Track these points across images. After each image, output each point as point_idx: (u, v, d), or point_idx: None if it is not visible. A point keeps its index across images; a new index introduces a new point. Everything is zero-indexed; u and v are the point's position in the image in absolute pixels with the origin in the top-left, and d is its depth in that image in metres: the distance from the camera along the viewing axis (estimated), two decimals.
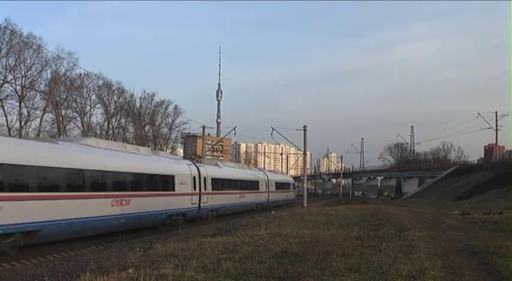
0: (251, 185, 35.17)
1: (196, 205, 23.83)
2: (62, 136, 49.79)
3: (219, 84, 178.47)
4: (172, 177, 21.51)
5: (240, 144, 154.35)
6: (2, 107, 43.59)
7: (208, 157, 50.78)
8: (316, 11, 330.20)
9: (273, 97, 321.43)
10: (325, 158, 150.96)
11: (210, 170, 26.76)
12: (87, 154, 16.31)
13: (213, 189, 26.07)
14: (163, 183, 20.84)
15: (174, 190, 21.42)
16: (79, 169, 15.16)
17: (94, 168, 15.94)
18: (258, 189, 36.85)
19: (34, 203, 13.08)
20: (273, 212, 28.24)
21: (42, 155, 14.02)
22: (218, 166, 30.23)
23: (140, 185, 18.62)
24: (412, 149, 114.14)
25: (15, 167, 12.60)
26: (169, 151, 71.29)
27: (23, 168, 12.87)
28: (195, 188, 23.68)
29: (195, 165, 24.93)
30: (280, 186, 44.37)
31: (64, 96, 49.79)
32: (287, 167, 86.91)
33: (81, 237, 15.11)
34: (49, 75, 47.62)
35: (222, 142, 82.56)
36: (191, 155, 45.05)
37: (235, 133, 48.18)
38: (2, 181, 12.10)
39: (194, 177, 23.76)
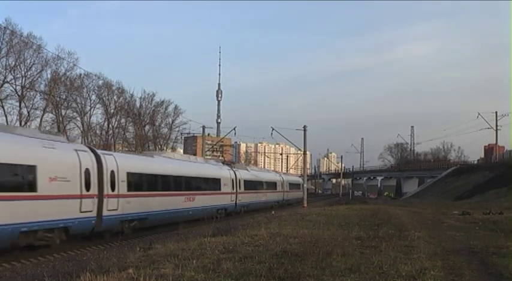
0: (271, 186, 41.50)
1: (234, 202, 29.82)
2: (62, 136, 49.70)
3: (219, 84, 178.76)
4: (219, 180, 27.68)
5: (240, 144, 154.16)
6: (2, 107, 43.60)
7: (208, 157, 50.87)
8: (316, 11, 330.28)
9: (273, 97, 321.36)
10: (325, 158, 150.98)
11: (242, 174, 32.50)
12: (170, 164, 22.58)
13: (244, 189, 31.79)
14: (214, 184, 26.78)
15: (220, 190, 27.43)
16: (168, 175, 21.06)
17: (175, 174, 21.90)
18: (276, 189, 42.84)
19: (146, 199, 18.51)
20: (273, 212, 28.24)
21: (150, 166, 19.99)
22: (247, 170, 36.96)
23: (200, 186, 24.67)
24: (412, 149, 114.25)
25: (140, 175, 18.54)
26: (169, 150, 71.37)
27: (141, 175, 18.59)
28: (233, 188, 29.56)
29: (232, 169, 31.01)
30: (293, 186, 49.21)
31: (64, 96, 49.81)
32: (287, 167, 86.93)
33: (163, 224, 19.67)
34: (49, 75, 47.69)
35: (222, 141, 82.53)
36: (227, 161, 47.62)
37: (235, 133, 48.30)
38: (131, 183, 17.44)
39: (232, 179, 29.65)
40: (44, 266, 11.70)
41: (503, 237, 12.82)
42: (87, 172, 14.76)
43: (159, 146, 63.74)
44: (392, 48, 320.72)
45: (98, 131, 57.67)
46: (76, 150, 14.93)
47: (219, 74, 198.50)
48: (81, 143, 48.14)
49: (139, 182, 18.28)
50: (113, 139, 59.70)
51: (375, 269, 7.43)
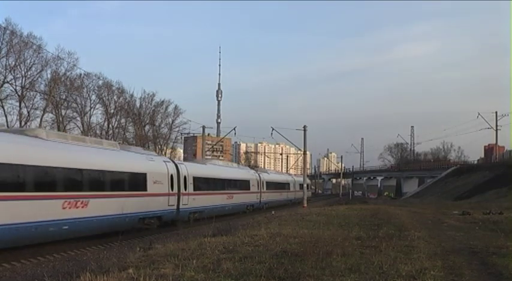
0: (286, 186, 46.31)
1: (259, 200, 33.97)
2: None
3: (219, 84, 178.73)
4: (249, 181, 31.86)
5: (240, 144, 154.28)
6: (2, 107, 43.60)
7: (208, 157, 50.94)
8: (316, 11, 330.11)
9: (273, 97, 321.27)
10: (325, 158, 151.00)
11: (265, 176, 36.32)
12: (217, 169, 28.61)
13: (266, 189, 36.72)
14: (245, 185, 31.39)
15: (250, 189, 31.84)
16: (216, 178, 26.71)
17: (221, 177, 28.12)
18: (290, 189, 47.80)
19: (203, 197, 23.82)
20: (273, 212, 28.28)
21: (206, 171, 25.50)
22: (267, 172, 41.78)
23: (236, 187, 29.71)
24: (412, 149, 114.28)
25: (200, 179, 23.72)
26: (170, 151, 71.40)
27: (201, 179, 23.93)
28: (258, 188, 33.19)
29: (257, 172, 34.86)
30: (301, 186, 51.17)
31: (64, 96, 49.81)
32: (287, 167, 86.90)
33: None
34: (49, 76, 47.67)
35: (222, 142, 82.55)
36: (252, 165, 50.82)
37: (235, 133, 48.31)
38: (196, 185, 22.97)
39: (257, 181, 33.41)
40: (44, 266, 11.69)
41: (503, 237, 12.82)
42: (171, 177, 20.66)
43: (159, 146, 63.76)
44: (393, 48, 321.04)
45: (98, 131, 57.60)
46: (164, 161, 21.17)
47: (219, 74, 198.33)
48: None
49: (200, 184, 23.93)
50: (113, 139, 59.68)
51: (375, 269, 7.43)
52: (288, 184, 47.85)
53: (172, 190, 20.63)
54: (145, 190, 18.44)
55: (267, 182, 37.79)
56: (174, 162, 22.22)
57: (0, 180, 11.65)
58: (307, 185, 60.06)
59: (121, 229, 15.88)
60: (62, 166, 13.81)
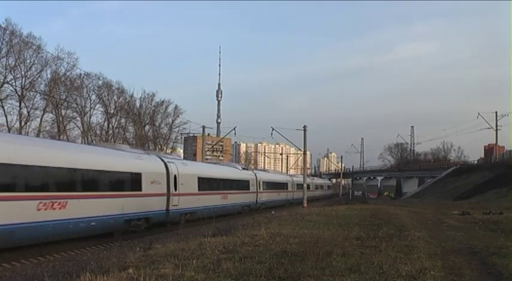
0: (284, 186, 45.64)
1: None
2: (62, 136, 50.07)
3: (219, 84, 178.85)
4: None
5: (240, 144, 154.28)
6: (2, 107, 43.62)
7: (208, 157, 50.98)
8: (316, 11, 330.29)
9: (273, 97, 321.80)
10: (325, 158, 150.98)
11: (262, 175, 36.92)
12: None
13: (263, 189, 36.31)
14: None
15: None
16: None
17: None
18: (288, 189, 46.96)
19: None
20: (273, 212, 28.26)
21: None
22: (266, 172, 43.26)
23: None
24: (412, 149, 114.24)
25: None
26: (170, 151, 71.36)
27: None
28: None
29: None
30: (299, 186, 50.77)
31: (64, 96, 49.81)
32: (287, 167, 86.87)
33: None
34: (49, 76, 47.68)
35: (222, 142, 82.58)
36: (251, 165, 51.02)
37: (235, 133, 48.21)
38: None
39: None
40: (44, 266, 11.69)
41: (503, 237, 12.83)
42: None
43: (159, 146, 63.72)
44: (393, 48, 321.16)
45: (98, 131, 57.65)
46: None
47: (219, 74, 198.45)
48: (81, 143, 48.45)
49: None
50: (113, 139, 59.68)
51: (375, 269, 7.43)
52: (286, 183, 47.37)
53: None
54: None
55: (264, 182, 37.13)
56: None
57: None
58: (328, 186, 63.19)
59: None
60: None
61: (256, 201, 34.58)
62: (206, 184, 24.39)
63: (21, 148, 12.85)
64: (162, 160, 20.34)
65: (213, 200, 25.21)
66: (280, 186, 44.41)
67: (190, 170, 23.09)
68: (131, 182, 17.51)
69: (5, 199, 11.56)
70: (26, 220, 12.10)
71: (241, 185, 31.29)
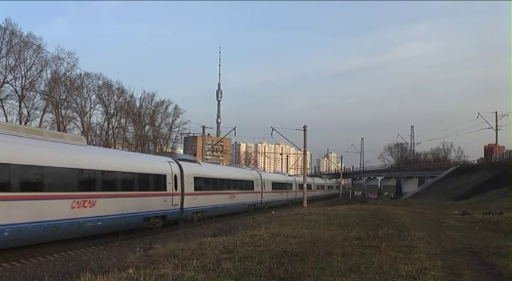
0: (288, 186, 47.02)
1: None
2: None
3: (219, 84, 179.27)
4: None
5: (240, 144, 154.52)
6: (2, 107, 43.59)
7: (208, 157, 50.99)
8: (316, 11, 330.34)
9: (273, 97, 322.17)
10: (325, 158, 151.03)
11: (267, 176, 38.41)
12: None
13: (268, 189, 37.21)
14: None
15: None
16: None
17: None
18: (292, 189, 48.36)
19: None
20: (273, 212, 28.27)
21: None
22: (269, 172, 42.90)
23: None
24: (412, 149, 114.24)
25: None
26: (170, 151, 71.27)
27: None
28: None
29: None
30: (301, 187, 51.35)
31: (64, 96, 49.79)
32: (287, 167, 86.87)
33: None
34: (49, 76, 47.66)
35: (222, 142, 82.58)
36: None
37: (235, 133, 48.07)
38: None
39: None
40: (44, 266, 11.69)
41: (503, 237, 12.83)
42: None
43: (159, 146, 63.73)
44: (393, 48, 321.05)
45: (98, 131, 57.63)
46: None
47: (219, 74, 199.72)
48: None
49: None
50: (113, 139, 59.68)
51: (374, 269, 7.43)
52: (290, 184, 48.45)
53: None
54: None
55: (268, 182, 38.34)
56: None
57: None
58: (328, 186, 63.79)
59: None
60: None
61: (261, 200, 35.76)
62: (216, 184, 26.22)
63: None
64: (177, 162, 21.92)
65: (222, 199, 26.91)
66: (283, 186, 45.37)
67: (203, 171, 24.86)
68: (154, 183, 19.27)
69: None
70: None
71: (247, 185, 32.66)
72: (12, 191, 11.95)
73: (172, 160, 21.74)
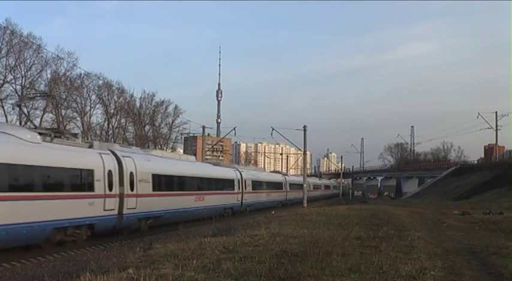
0: (276, 186, 44.06)
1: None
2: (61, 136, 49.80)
3: (219, 84, 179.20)
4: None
5: (240, 144, 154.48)
6: (2, 107, 43.60)
7: (207, 157, 50.98)
8: (316, 11, 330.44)
9: (273, 97, 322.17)
10: (325, 158, 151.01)
11: (248, 174, 34.57)
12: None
13: (251, 189, 33.90)
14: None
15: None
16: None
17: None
18: (282, 189, 45.73)
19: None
20: (273, 212, 28.25)
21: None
22: (255, 171, 40.92)
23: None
24: (412, 149, 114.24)
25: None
26: (170, 151, 71.17)
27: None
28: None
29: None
30: (294, 186, 49.80)
31: (64, 96, 49.78)
32: (287, 167, 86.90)
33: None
34: (49, 75, 47.65)
35: (222, 142, 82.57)
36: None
37: (235, 133, 48.03)
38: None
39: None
40: (44, 266, 11.69)
41: (503, 237, 12.84)
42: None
43: (159, 146, 63.68)
44: (393, 48, 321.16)
45: (98, 131, 57.59)
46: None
47: (219, 74, 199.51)
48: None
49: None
50: (113, 139, 59.63)
51: (374, 269, 7.43)
52: (280, 183, 44.25)
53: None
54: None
55: (250, 181, 33.53)
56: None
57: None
58: (325, 186, 63.59)
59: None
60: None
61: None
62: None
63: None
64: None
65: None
66: (271, 186, 40.83)
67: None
68: (228, 184, 28.79)
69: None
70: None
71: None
72: (171, 190, 20.72)
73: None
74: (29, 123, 45.51)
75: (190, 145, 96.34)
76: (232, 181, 29.96)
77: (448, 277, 7.34)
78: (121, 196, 16.53)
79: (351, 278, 6.85)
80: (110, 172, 16.01)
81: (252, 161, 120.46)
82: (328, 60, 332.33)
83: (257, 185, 35.58)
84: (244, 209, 31.68)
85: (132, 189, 17.25)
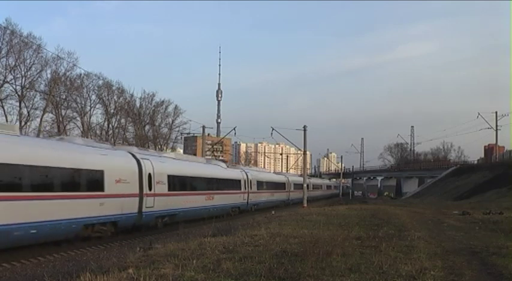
0: (278, 186, 44.53)
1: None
2: (62, 136, 49.92)
3: (219, 84, 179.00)
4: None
5: (240, 144, 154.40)
6: (2, 107, 43.60)
7: (208, 157, 51.00)
8: (316, 11, 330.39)
9: (273, 97, 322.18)
10: (325, 158, 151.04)
11: (254, 174, 35.44)
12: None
13: (256, 189, 34.94)
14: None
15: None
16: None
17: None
18: (284, 189, 46.40)
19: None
20: (273, 212, 28.23)
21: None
22: (258, 171, 41.89)
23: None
24: (412, 149, 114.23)
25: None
26: (169, 150, 71.12)
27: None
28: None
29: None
30: (297, 187, 50.67)
31: (64, 96, 49.79)
32: (287, 167, 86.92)
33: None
34: (49, 75, 47.65)
35: (222, 142, 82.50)
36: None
37: (235, 133, 48.07)
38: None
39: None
40: (44, 266, 11.69)
41: (503, 237, 12.84)
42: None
43: (159, 146, 63.66)
44: (393, 48, 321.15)
45: (98, 131, 57.58)
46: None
47: (219, 74, 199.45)
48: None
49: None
50: (113, 139, 59.63)
51: (374, 269, 7.43)
52: (283, 184, 45.62)
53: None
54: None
55: (256, 181, 35.01)
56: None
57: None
58: (327, 186, 64.38)
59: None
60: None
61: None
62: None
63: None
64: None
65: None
66: (275, 186, 42.25)
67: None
68: (235, 184, 29.88)
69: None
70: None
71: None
72: (184, 190, 22.09)
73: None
74: (29, 123, 45.70)
75: (190, 144, 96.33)
76: (239, 181, 31.24)
77: (448, 277, 7.33)
78: (140, 196, 17.73)
79: (351, 278, 6.85)
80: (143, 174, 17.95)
81: (252, 161, 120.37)
82: (328, 60, 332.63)
83: (262, 185, 36.91)
84: (250, 208, 33.06)
85: (150, 189, 18.39)
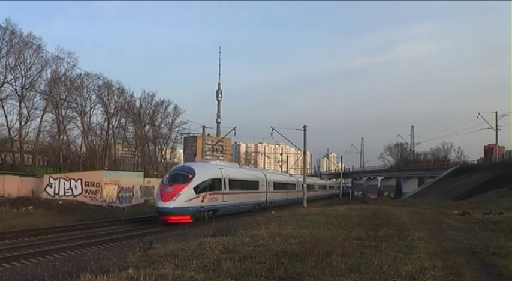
0: (291, 186, 49.42)
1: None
2: (62, 136, 50.06)
3: (219, 84, 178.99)
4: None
5: (240, 144, 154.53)
6: (2, 107, 43.67)
7: (208, 157, 51.05)
8: (316, 11, 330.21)
9: (273, 97, 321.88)
10: (325, 158, 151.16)
11: (271, 176, 40.28)
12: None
13: (273, 189, 39.62)
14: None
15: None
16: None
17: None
18: (295, 189, 50.23)
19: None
20: (273, 212, 28.25)
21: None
22: (274, 173, 49.66)
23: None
24: (412, 149, 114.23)
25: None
26: (169, 150, 71.23)
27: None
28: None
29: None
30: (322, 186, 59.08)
31: (64, 97, 49.82)
32: (287, 167, 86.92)
33: None
34: (49, 76, 47.69)
35: (222, 142, 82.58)
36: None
37: (235, 133, 47.98)
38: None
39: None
40: (44, 266, 11.69)
41: (503, 237, 12.83)
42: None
43: (159, 146, 63.75)
44: (393, 48, 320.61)
45: (98, 131, 57.69)
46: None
47: (219, 74, 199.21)
48: (81, 143, 48.97)
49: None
50: (113, 139, 59.71)
51: (374, 269, 7.42)
52: (293, 184, 49.39)
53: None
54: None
55: (272, 182, 39.50)
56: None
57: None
58: (329, 186, 66.43)
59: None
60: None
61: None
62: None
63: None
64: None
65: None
66: (287, 186, 46.42)
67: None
68: (259, 185, 35.16)
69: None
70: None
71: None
72: (235, 189, 29.02)
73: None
74: (29, 123, 45.70)
75: (190, 144, 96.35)
76: (261, 182, 36.50)
77: (448, 277, 7.33)
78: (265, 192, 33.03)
79: (351, 278, 6.85)
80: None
81: (252, 161, 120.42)
82: (328, 60, 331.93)
83: (278, 185, 41.76)
84: (268, 205, 37.10)
85: (225, 189, 26.98)
